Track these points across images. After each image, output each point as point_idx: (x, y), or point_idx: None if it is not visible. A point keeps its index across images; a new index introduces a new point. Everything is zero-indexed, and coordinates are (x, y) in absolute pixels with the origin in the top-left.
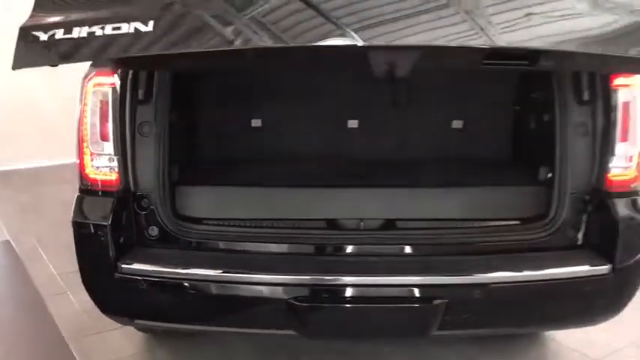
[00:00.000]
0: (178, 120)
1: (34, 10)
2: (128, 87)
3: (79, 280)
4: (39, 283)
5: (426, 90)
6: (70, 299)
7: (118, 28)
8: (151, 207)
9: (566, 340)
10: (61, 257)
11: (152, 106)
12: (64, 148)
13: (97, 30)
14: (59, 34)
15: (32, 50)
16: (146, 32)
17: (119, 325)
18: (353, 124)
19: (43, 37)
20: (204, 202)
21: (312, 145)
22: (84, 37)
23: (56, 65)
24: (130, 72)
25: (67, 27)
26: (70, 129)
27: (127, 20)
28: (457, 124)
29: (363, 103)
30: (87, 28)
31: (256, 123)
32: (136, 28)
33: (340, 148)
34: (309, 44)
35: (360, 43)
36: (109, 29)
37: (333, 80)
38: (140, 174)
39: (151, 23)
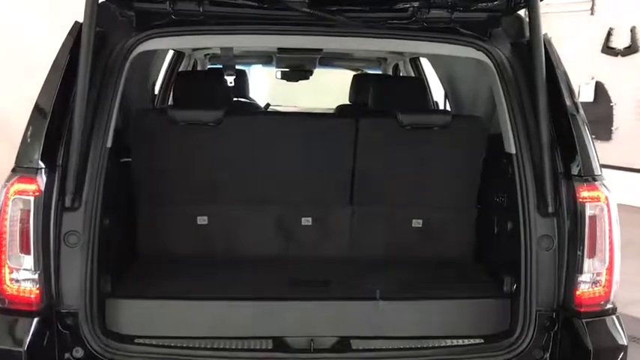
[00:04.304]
0: (113, 225)
1: None
2: (54, 193)
3: None
4: None
5: (385, 186)
6: None
7: None
8: (76, 325)
9: None
10: None
11: (81, 214)
12: None
13: None
14: None
15: None
16: None
17: None
18: (307, 221)
19: None
20: (137, 317)
21: (262, 244)
22: None
23: None
24: (57, 177)
25: None
26: None
27: None
28: (417, 222)
29: (318, 200)
30: None
31: (202, 220)
32: None
33: (293, 248)
34: None
35: None
36: None
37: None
38: (65, 289)
39: None
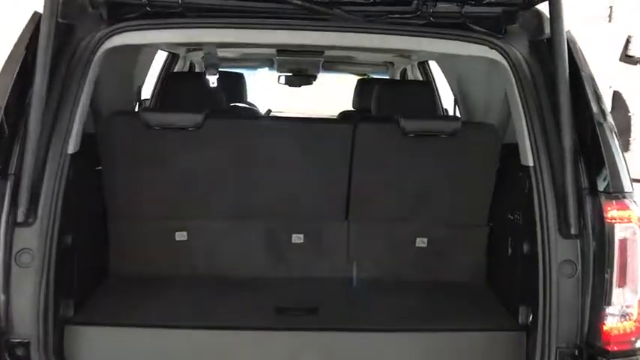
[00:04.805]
0: (78, 241)
1: None
2: (5, 206)
3: None
4: None
5: (385, 199)
6: None
7: None
8: (27, 357)
9: None
10: None
11: (35, 229)
12: None
13: None
14: None
15: None
16: None
17: None
18: (298, 238)
19: None
20: (101, 347)
21: (247, 263)
22: None
23: None
24: (9, 187)
25: None
26: None
27: None
28: (421, 241)
29: (310, 215)
30: None
31: (181, 236)
32: None
33: (281, 269)
34: None
35: None
36: None
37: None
38: (16, 315)
39: None
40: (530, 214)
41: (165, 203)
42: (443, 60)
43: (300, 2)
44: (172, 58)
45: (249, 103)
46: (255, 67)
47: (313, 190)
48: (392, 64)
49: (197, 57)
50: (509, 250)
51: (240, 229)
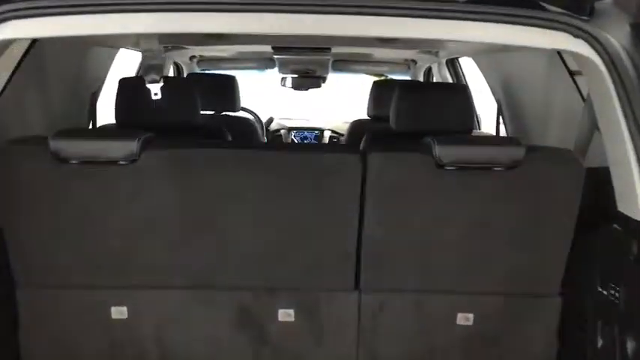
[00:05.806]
0: None
1: None
2: None
3: None
4: None
5: (412, 260)
6: None
7: None
8: None
9: None
10: None
11: None
12: None
13: None
14: None
15: None
16: None
17: None
18: (287, 315)
19: None
20: None
21: (215, 351)
22: None
23: None
24: None
25: None
26: None
27: None
28: (465, 318)
29: (304, 282)
30: None
31: (119, 313)
32: None
33: (265, 358)
34: None
35: None
36: None
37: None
38: None
39: None
40: (638, 291)
41: (94, 267)
42: (482, 55)
43: None
44: None
45: (247, 110)
46: (258, 68)
47: (307, 248)
48: (414, 61)
49: (183, 57)
50: (600, 340)
51: (203, 304)
